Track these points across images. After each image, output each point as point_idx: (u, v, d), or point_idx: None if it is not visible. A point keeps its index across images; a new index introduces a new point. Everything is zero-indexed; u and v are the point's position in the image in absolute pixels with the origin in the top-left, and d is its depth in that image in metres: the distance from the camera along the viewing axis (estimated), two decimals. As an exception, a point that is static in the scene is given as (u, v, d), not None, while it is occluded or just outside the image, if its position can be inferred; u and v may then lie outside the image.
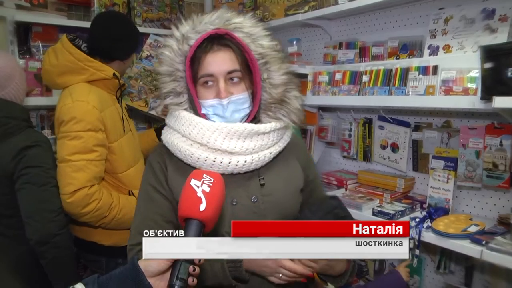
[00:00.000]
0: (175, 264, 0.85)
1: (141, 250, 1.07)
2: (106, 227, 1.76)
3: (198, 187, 0.90)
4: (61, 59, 1.75)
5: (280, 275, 1.09)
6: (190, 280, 0.86)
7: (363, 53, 2.21)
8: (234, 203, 1.12)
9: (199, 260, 0.86)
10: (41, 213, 1.59)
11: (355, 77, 2.09)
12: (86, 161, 1.65)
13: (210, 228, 0.92)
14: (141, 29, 2.70)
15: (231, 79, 1.12)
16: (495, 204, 1.73)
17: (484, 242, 1.46)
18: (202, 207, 0.88)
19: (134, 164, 1.88)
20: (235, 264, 1.07)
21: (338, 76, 2.17)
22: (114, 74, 1.81)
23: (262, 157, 1.12)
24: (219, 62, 1.10)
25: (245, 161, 1.10)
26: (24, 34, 2.42)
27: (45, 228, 1.57)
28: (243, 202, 1.13)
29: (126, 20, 2.02)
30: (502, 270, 1.60)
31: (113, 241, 1.83)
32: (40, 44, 2.44)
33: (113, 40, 1.84)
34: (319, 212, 1.07)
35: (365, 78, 2.01)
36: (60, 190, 1.64)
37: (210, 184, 0.91)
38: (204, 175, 0.92)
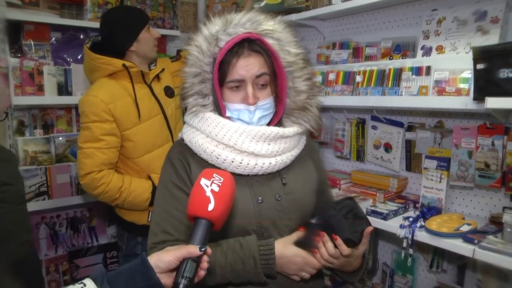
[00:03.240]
0: (181, 262, 0.86)
1: (164, 248, 1.08)
2: (123, 207, 1.95)
3: (207, 186, 0.91)
4: (85, 62, 1.98)
5: (304, 273, 1.12)
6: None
7: (357, 53, 2.22)
8: (260, 201, 1.14)
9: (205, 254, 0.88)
10: (18, 234, 1.51)
11: (348, 77, 2.10)
12: (94, 148, 1.83)
13: (218, 227, 0.93)
14: (134, 28, 2.69)
15: (259, 83, 1.12)
16: (487, 204, 1.75)
17: (476, 241, 1.48)
18: (211, 207, 0.89)
19: (152, 150, 1.98)
20: (267, 262, 1.09)
21: (331, 76, 2.18)
22: (123, 65, 1.89)
23: (285, 160, 1.15)
24: (250, 67, 1.10)
25: (270, 163, 1.12)
26: (15, 32, 2.40)
27: (21, 248, 1.50)
28: (268, 200, 1.15)
29: (109, 14, 2.03)
30: (494, 268, 1.62)
31: (132, 218, 2.00)
32: (32, 42, 2.41)
33: (106, 38, 1.96)
34: (343, 210, 1.10)
35: (358, 78, 2.02)
36: (78, 173, 1.88)
37: (220, 184, 0.92)
38: (214, 175, 0.93)
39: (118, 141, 1.89)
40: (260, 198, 1.14)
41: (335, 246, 1.07)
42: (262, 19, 1.14)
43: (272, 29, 1.13)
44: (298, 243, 1.13)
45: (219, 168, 1.11)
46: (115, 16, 1.98)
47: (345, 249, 1.06)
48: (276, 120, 1.19)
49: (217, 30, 1.11)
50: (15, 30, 2.39)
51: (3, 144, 2.36)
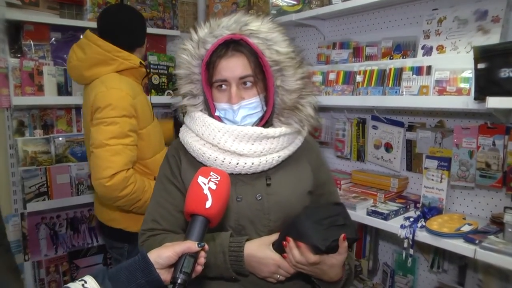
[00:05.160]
0: (180, 258, 0.88)
1: (151, 235, 1.16)
2: (138, 211, 1.80)
3: (205, 184, 0.94)
4: (89, 53, 1.80)
5: (278, 276, 1.13)
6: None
7: (357, 53, 2.22)
8: (239, 200, 1.15)
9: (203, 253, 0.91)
10: None
11: (349, 77, 2.09)
12: (123, 145, 1.70)
13: (215, 224, 0.96)
14: (134, 28, 2.70)
15: (244, 83, 1.14)
16: (488, 204, 1.75)
17: (477, 241, 1.47)
18: (208, 204, 0.92)
19: (159, 151, 1.95)
20: (236, 258, 1.10)
21: (332, 76, 2.17)
22: (140, 62, 1.87)
23: (270, 160, 1.15)
24: (232, 67, 1.12)
25: (253, 163, 1.13)
26: (15, 32, 2.40)
27: None
28: (248, 199, 1.16)
29: (132, 8, 2.10)
30: (495, 269, 1.61)
31: (139, 227, 1.86)
32: (32, 43, 2.42)
33: (132, 30, 1.92)
34: (315, 216, 1.06)
35: (359, 78, 2.02)
36: (97, 175, 1.65)
37: (217, 182, 0.95)
38: (212, 173, 0.96)
39: (137, 139, 1.81)
40: (240, 196, 1.15)
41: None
42: (249, 19, 1.14)
43: (256, 29, 1.13)
44: (274, 246, 1.13)
45: (206, 165, 1.14)
46: (136, 12, 2.02)
47: (311, 257, 1.04)
48: (265, 119, 1.19)
49: (205, 34, 1.15)
50: (15, 30, 2.40)
51: (3, 145, 2.36)
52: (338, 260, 1.08)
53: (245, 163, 1.12)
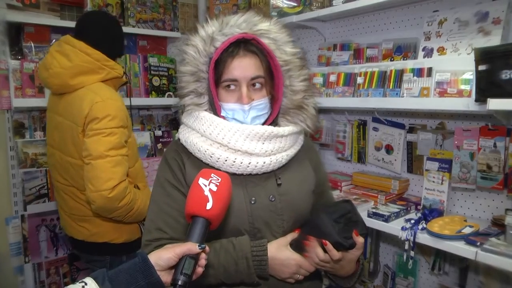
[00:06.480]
0: (180, 259, 0.88)
1: (158, 246, 1.07)
2: (128, 220, 1.79)
3: (205, 186, 0.93)
4: (75, 60, 1.72)
5: (298, 276, 1.13)
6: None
7: (358, 54, 2.22)
8: (253, 202, 1.14)
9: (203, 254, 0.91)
10: None
11: (349, 79, 2.09)
12: (121, 156, 1.69)
13: (215, 226, 0.95)
14: (135, 30, 2.71)
15: (254, 84, 1.13)
16: (489, 206, 1.74)
17: (478, 244, 1.47)
18: (209, 205, 0.91)
19: (138, 160, 1.92)
20: (260, 263, 1.10)
21: (332, 78, 2.17)
22: (124, 73, 1.86)
23: (280, 159, 1.14)
24: (244, 67, 1.10)
25: (264, 163, 1.11)
26: (15, 34, 2.40)
27: None
28: (261, 200, 1.14)
29: (114, 16, 2.11)
30: (496, 271, 1.61)
31: (125, 237, 1.88)
32: (33, 44, 2.42)
33: (121, 39, 1.95)
34: (335, 214, 1.08)
35: (359, 79, 2.01)
36: (98, 187, 1.61)
37: (218, 184, 0.94)
38: (212, 175, 0.95)
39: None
40: (253, 198, 1.14)
41: (325, 251, 1.07)
42: (258, 20, 1.14)
43: (267, 29, 1.13)
44: (291, 246, 1.13)
45: (213, 167, 1.12)
46: (118, 21, 1.99)
47: (336, 254, 1.05)
48: (271, 120, 1.19)
49: (213, 31, 1.12)
50: (16, 32, 2.40)
51: (3, 146, 2.36)
52: (356, 255, 1.10)
53: (257, 163, 1.11)
